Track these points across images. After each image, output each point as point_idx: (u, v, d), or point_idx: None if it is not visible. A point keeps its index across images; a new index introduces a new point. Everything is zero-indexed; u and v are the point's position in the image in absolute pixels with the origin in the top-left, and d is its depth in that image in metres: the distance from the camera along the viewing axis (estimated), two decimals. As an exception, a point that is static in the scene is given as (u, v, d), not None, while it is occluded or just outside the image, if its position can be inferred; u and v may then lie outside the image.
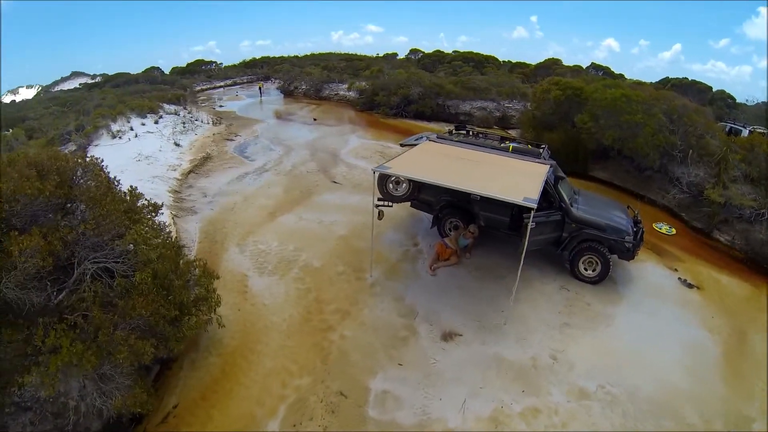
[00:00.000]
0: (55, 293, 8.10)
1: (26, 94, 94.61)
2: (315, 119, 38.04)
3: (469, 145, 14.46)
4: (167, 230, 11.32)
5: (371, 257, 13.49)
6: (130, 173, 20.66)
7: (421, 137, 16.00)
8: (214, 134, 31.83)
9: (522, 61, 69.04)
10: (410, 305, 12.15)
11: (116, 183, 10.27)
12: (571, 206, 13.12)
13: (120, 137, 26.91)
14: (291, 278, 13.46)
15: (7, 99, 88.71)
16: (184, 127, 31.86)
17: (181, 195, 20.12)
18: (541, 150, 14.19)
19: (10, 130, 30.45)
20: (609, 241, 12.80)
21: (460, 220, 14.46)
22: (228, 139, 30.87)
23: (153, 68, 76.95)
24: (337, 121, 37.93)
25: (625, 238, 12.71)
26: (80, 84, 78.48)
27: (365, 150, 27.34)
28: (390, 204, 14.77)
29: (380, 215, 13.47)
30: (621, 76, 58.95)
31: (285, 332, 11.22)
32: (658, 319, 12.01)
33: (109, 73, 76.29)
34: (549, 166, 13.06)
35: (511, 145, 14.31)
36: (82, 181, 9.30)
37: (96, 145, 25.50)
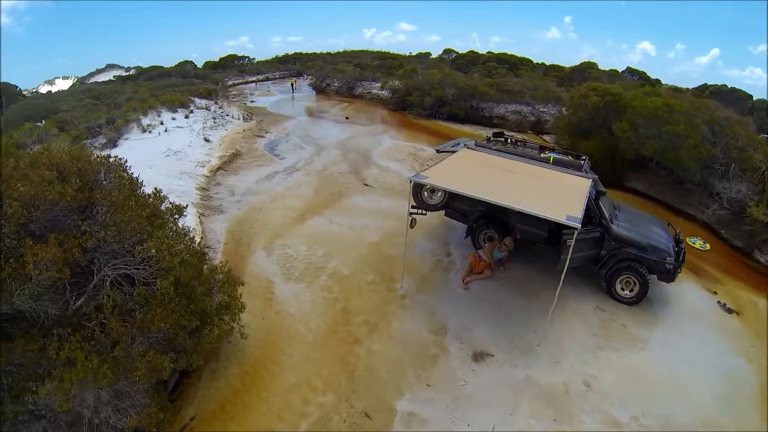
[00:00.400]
0: (74, 298, 7.74)
1: (62, 85, 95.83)
2: (347, 118, 37.56)
3: (508, 154, 13.86)
4: (191, 234, 10.91)
5: (403, 268, 12.92)
6: (158, 169, 20.66)
7: (458, 143, 15.53)
8: (244, 130, 31.51)
9: (555, 63, 67.96)
10: (441, 320, 11.63)
11: (140, 184, 9.86)
12: (611, 222, 12.51)
13: (150, 131, 26.83)
14: (318, 286, 13.01)
15: (43, 89, 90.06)
16: (214, 122, 31.69)
17: (209, 193, 19.82)
18: (582, 162, 13.57)
19: (42, 122, 29.93)
20: (649, 261, 12.16)
21: (495, 232, 13.86)
22: (258, 136, 30.51)
23: (186, 62, 76.91)
24: (370, 120, 37.30)
25: (666, 259, 12.08)
26: (114, 76, 78.79)
27: (398, 152, 26.61)
28: (424, 212, 14.22)
29: (413, 223, 12.91)
30: (657, 81, 57.43)
31: (310, 344, 10.81)
32: (696, 344, 11.37)
33: (143, 66, 76.83)
34: (591, 180, 12.51)
35: (552, 156, 13.64)
36: (105, 182, 8.89)
37: (126, 139, 25.60)
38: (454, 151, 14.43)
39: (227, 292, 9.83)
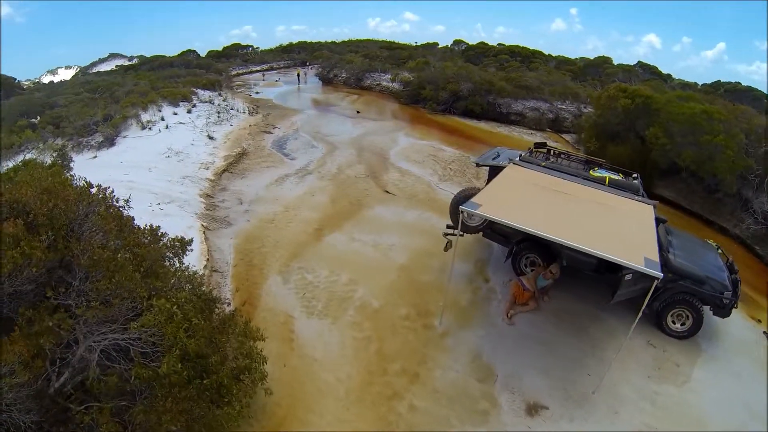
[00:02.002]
0: (55, 373, 6.17)
1: (65, 74, 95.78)
2: (358, 112, 36.13)
3: (557, 171, 12.46)
4: (197, 272, 9.09)
5: (443, 304, 11.31)
6: (158, 172, 19.38)
7: (497, 155, 14.15)
8: (250, 125, 29.97)
9: (562, 55, 65.93)
10: (488, 364, 10.16)
11: (130, 218, 8.05)
12: (668, 252, 11.36)
13: (150, 128, 25.58)
14: (346, 323, 11.39)
15: (46, 79, 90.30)
16: (218, 117, 30.27)
17: (214, 200, 18.17)
18: (635, 180, 12.45)
19: (38, 118, 29.46)
20: (705, 295, 11.04)
21: (539, 257, 12.50)
22: (266, 132, 28.94)
23: (189, 51, 75.37)
24: (382, 115, 35.88)
25: (724, 293, 10.94)
26: (117, 66, 78.36)
27: (416, 152, 24.81)
28: (461, 233, 12.43)
29: (448, 246, 12.02)
30: (669, 76, 55.48)
31: (342, 399, 9.26)
32: (748, 385, 10.22)
33: (146, 55, 75.82)
34: (652, 206, 11.21)
35: (607, 176, 12.34)
36: (85, 227, 6.99)
37: (124, 137, 24.37)
38: (495, 166, 13.17)
39: (246, 351, 8.07)
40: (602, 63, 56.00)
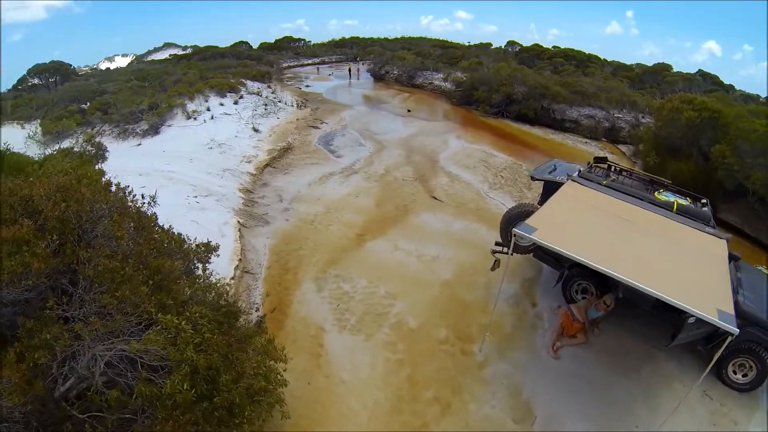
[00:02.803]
0: (62, 376, 5.77)
1: (121, 62, 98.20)
2: (409, 110, 34.95)
3: (620, 192, 11.33)
4: (222, 282, 8.29)
5: (488, 333, 10.41)
6: (198, 163, 19.03)
7: (553, 167, 13.06)
8: (297, 119, 29.48)
9: (616, 59, 63.67)
10: (527, 402, 9.14)
11: (151, 218, 7.29)
12: (737, 293, 9.84)
13: (195, 118, 25.46)
14: (379, 342, 10.49)
15: (103, 66, 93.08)
16: (265, 109, 29.88)
17: (254, 196, 17.55)
18: (705, 207, 11.31)
19: (87, 104, 29.49)
20: None
21: (592, 285, 11.21)
22: (313, 127, 28.33)
23: (241, 42, 76.30)
24: (433, 115, 34.56)
25: None
26: (170, 55, 79.86)
27: (467, 157, 23.43)
28: (510, 253, 11.49)
29: (495, 265, 11.08)
30: (731, 87, 52.63)
31: (366, 428, 8.45)
32: None
33: (200, 45, 76.59)
34: (726, 240, 9.99)
35: (675, 201, 11.09)
36: (96, 232, 6.26)
37: (169, 126, 24.32)
38: (552, 181, 12.17)
39: (263, 372, 7.21)
40: (661, 70, 53.75)
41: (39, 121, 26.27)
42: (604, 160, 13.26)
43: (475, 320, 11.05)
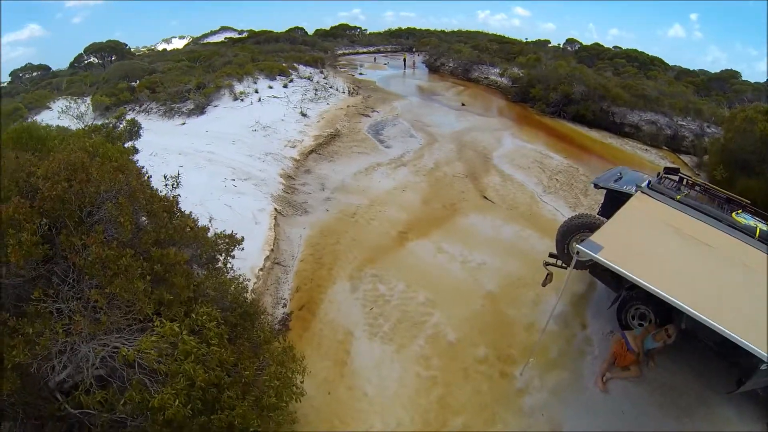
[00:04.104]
0: (61, 365, 5.19)
1: (178, 44, 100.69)
2: (463, 104, 33.80)
3: (694, 210, 9.99)
4: (243, 279, 7.45)
5: (532, 354, 9.21)
6: (240, 146, 18.52)
7: (620, 176, 11.89)
8: (348, 106, 28.79)
9: (678, 64, 60.82)
10: None
11: (175, 201, 6.51)
12: None
13: (242, 100, 25.17)
14: (412, 354, 9.60)
15: (160, 47, 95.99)
16: (315, 94, 29.31)
17: (294, 183, 16.88)
18: None
19: (137, 82, 29.76)
20: None
21: (651, 311, 9.94)
22: (363, 115, 27.61)
23: (296, 28, 76.12)
24: (487, 110, 32.91)
25: None
26: (226, 38, 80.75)
27: (522, 157, 21.96)
28: (564, 266, 10.65)
29: (547, 280, 10.10)
30: (808, 100, 50.08)
31: None
32: None
33: (255, 30, 76.87)
34: None
35: (759, 226, 9.70)
36: (101, 215, 5.52)
37: (215, 106, 24.12)
38: (618, 191, 11.04)
39: (277, 388, 6.33)
40: (729, 77, 50.99)
41: (90, 97, 26.38)
42: (675, 171, 11.93)
43: (518, 340, 10.06)
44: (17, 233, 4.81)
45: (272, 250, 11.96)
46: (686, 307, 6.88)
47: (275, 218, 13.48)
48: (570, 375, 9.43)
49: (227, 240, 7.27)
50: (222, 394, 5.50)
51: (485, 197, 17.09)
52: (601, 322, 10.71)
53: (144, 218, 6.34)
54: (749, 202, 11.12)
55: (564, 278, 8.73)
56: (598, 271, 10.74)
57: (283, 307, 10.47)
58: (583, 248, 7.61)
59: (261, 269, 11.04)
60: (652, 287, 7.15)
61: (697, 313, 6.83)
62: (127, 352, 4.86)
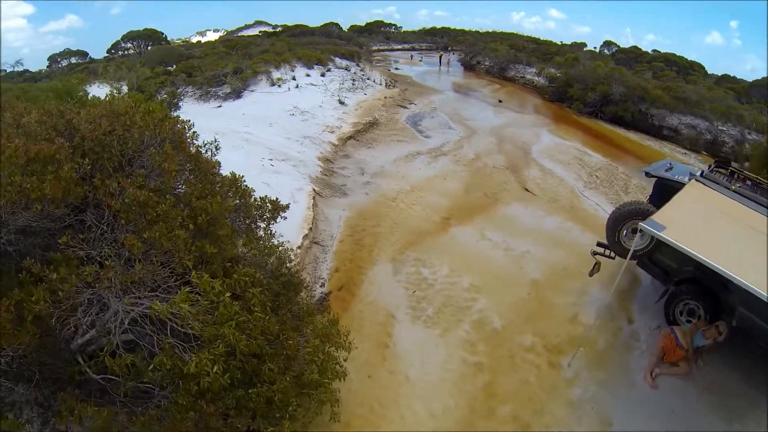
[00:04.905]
0: (84, 326, 4.82)
1: (212, 36, 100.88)
2: (500, 101, 33.63)
3: (750, 201, 9.73)
4: (285, 247, 7.15)
5: (581, 344, 9.01)
6: (278, 128, 18.43)
7: (670, 166, 11.59)
8: (385, 97, 28.72)
9: (715, 73, 59.61)
10: None
11: (214, 163, 6.20)
12: None
13: (279, 86, 25.33)
14: (457, 339, 9.28)
15: (194, 39, 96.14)
16: (353, 84, 29.36)
17: (333, 166, 16.72)
18: None
19: (173, 66, 30.27)
20: None
21: (701, 307, 9.57)
22: (401, 106, 27.52)
23: (331, 23, 76.37)
24: (524, 108, 32.83)
25: None
26: (260, 32, 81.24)
27: (561, 153, 21.80)
28: (612, 256, 10.59)
29: (595, 269, 9.91)
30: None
31: None
32: None
33: (289, 24, 77.25)
34: None
35: None
36: (140, 162, 5.26)
37: (252, 91, 24.31)
38: (669, 180, 10.82)
39: (321, 363, 6.06)
40: (772, 84, 49.93)
41: (126, 80, 26.64)
42: (727, 164, 11.64)
43: (565, 330, 9.75)
44: (56, 170, 4.53)
45: (311, 228, 11.73)
46: (745, 282, 6.83)
47: (314, 198, 13.29)
48: (618, 368, 9.20)
49: (271, 205, 6.95)
50: (263, 365, 5.14)
51: (526, 189, 16.86)
52: (647, 318, 10.42)
53: (187, 173, 6.01)
54: None
55: (623, 267, 8.39)
56: (648, 263, 10.61)
57: (321, 286, 10.21)
58: (646, 227, 7.60)
59: (299, 247, 10.76)
60: (714, 264, 7.12)
61: (757, 290, 6.75)
62: (160, 307, 4.53)
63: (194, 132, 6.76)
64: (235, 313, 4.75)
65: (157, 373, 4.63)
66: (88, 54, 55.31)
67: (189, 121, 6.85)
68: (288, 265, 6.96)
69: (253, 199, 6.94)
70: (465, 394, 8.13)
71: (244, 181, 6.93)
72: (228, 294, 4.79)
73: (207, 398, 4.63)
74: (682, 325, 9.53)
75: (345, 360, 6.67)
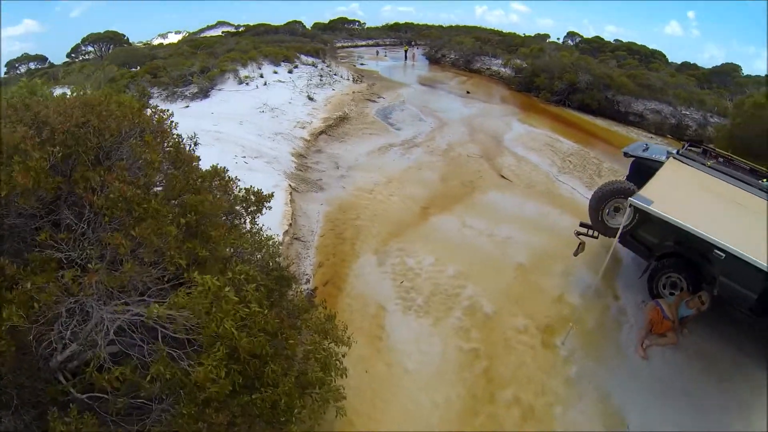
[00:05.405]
0: (62, 342, 4.40)
1: (174, 39, 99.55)
2: (468, 92, 33.83)
3: (726, 176, 10.31)
4: (275, 240, 6.96)
5: (572, 322, 9.19)
6: (248, 126, 18.19)
7: (646, 147, 12.20)
8: (353, 92, 28.63)
9: (675, 62, 60.94)
10: (618, 408, 7.99)
11: (194, 157, 6.02)
12: None
13: (247, 83, 25.09)
14: (450, 327, 9.27)
15: (156, 42, 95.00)
16: (320, 80, 29.24)
17: (307, 161, 16.58)
18: None
19: (138, 67, 29.72)
20: None
21: (684, 279, 10.02)
22: (370, 100, 27.45)
23: (295, 22, 75.50)
24: (492, 98, 33.21)
25: None
26: (223, 32, 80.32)
27: (532, 140, 22.00)
28: (595, 235, 11.03)
29: (579, 249, 10.41)
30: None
31: (435, 428, 7.27)
32: None
33: (252, 24, 76.72)
34: None
35: None
36: (120, 154, 4.99)
37: (219, 90, 24.01)
38: (647, 159, 11.42)
39: (321, 358, 5.87)
40: (730, 71, 50.82)
41: (89, 84, 26.08)
42: (699, 143, 12.21)
43: (555, 310, 9.94)
44: (24, 161, 4.22)
45: (290, 224, 11.57)
46: (732, 248, 7.61)
47: (290, 194, 13.10)
48: (610, 344, 9.45)
49: (254, 196, 6.73)
50: (266, 367, 4.88)
51: (502, 176, 16.94)
52: (632, 294, 10.75)
53: (167, 166, 5.74)
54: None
55: (613, 246, 8.95)
56: (630, 241, 10.90)
57: (306, 282, 10.01)
58: (636, 201, 8.19)
59: (280, 244, 10.59)
60: (702, 233, 7.88)
61: (744, 254, 7.52)
62: (158, 309, 4.24)
63: (173, 122, 6.50)
64: (235, 305, 4.52)
65: (155, 384, 4.35)
66: (47, 59, 54.09)
67: (168, 110, 6.57)
68: (278, 259, 6.78)
69: (238, 190, 6.70)
70: (465, 381, 8.15)
71: (227, 171, 6.68)
72: (228, 289, 4.57)
73: (213, 407, 4.40)
74: (666, 298, 9.89)
75: (344, 356, 6.51)
